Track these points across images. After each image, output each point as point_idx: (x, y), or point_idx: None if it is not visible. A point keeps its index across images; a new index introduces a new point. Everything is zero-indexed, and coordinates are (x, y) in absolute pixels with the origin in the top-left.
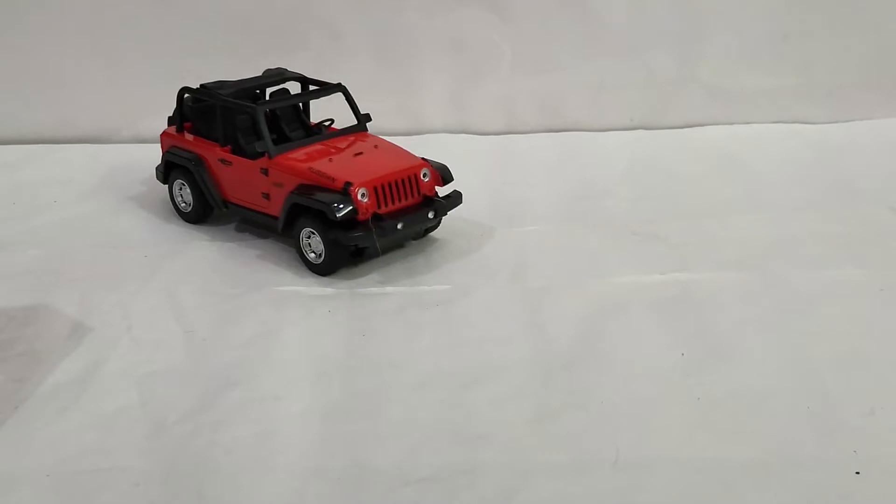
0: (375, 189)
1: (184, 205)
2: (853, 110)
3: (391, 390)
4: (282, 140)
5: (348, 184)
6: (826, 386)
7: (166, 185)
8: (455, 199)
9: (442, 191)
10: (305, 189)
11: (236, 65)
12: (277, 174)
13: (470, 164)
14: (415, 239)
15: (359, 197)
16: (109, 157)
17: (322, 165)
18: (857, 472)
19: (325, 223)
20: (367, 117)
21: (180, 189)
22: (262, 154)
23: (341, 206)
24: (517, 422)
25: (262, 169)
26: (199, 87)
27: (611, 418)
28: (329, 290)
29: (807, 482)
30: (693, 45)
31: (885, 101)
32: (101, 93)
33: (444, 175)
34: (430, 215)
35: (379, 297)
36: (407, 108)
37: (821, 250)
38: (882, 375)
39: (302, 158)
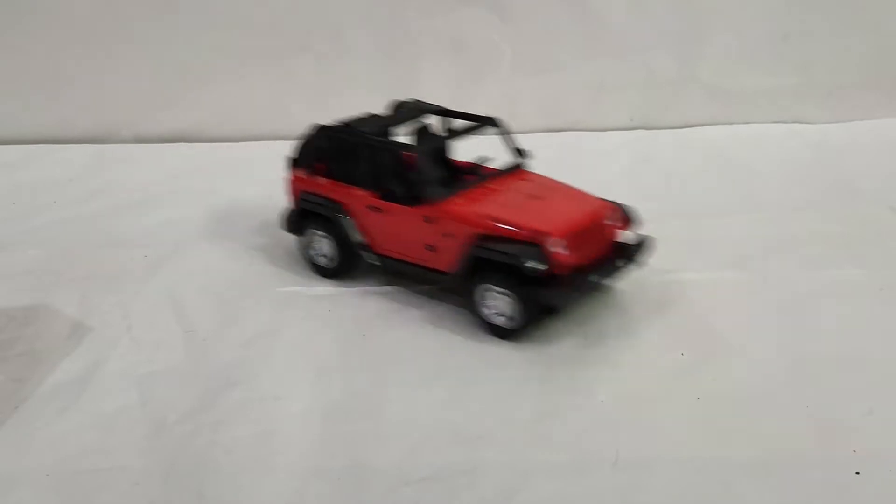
0: (570, 238)
1: (324, 259)
2: (853, 110)
3: (391, 390)
4: (442, 185)
5: (541, 233)
6: (826, 385)
7: (299, 238)
8: (645, 244)
9: (625, 235)
10: (487, 241)
11: (236, 65)
12: (447, 223)
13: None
14: (596, 291)
15: (554, 248)
16: (109, 157)
17: (502, 212)
18: (857, 472)
19: (518, 280)
20: (526, 153)
21: (317, 242)
22: (422, 200)
23: (537, 259)
24: (517, 422)
25: (425, 217)
26: (341, 124)
27: (611, 418)
28: (329, 291)
29: (806, 482)
30: (693, 45)
31: (885, 101)
32: (101, 93)
33: (629, 218)
34: (621, 264)
35: (379, 296)
36: None
37: (820, 250)
38: (881, 375)
39: (473, 204)
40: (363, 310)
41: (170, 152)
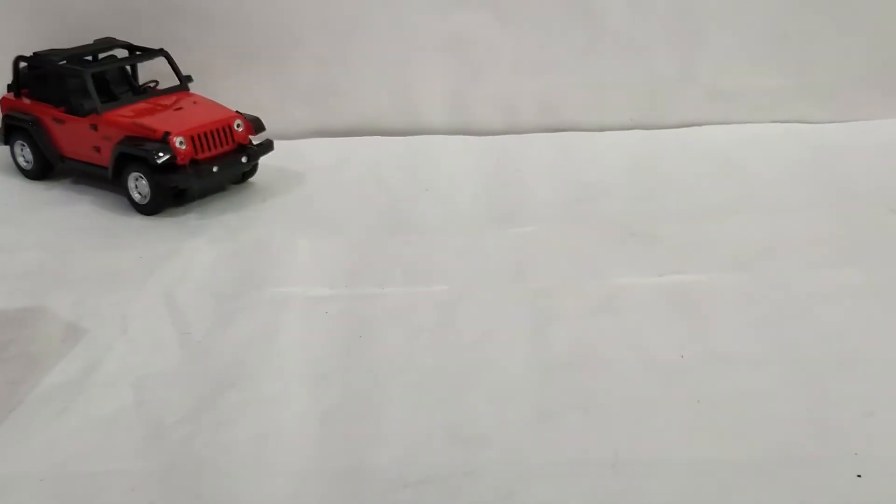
0: (192, 138)
1: (25, 163)
2: (854, 110)
3: (389, 391)
4: (111, 100)
5: (167, 133)
6: (826, 387)
7: (7, 147)
8: (267, 146)
9: (256, 140)
10: (131, 140)
11: (235, 63)
12: (105, 129)
13: (469, 164)
14: (234, 183)
15: (177, 145)
16: None
17: (145, 119)
18: (858, 475)
19: (151, 169)
20: (189, 78)
21: (21, 149)
22: (91, 112)
23: (161, 153)
24: (516, 423)
25: (91, 125)
26: (32, 55)
27: (610, 419)
28: (327, 292)
29: (806, 484)
30: (693, 46)
31: (885, 101)
32: None
33: (256, 126)
34: (244, 160)
35: (377, 297)
36: (405, 108)
37: (820, 252)
38: (882, 377)
39: (128, 115)
40: (361, 311)
41: None
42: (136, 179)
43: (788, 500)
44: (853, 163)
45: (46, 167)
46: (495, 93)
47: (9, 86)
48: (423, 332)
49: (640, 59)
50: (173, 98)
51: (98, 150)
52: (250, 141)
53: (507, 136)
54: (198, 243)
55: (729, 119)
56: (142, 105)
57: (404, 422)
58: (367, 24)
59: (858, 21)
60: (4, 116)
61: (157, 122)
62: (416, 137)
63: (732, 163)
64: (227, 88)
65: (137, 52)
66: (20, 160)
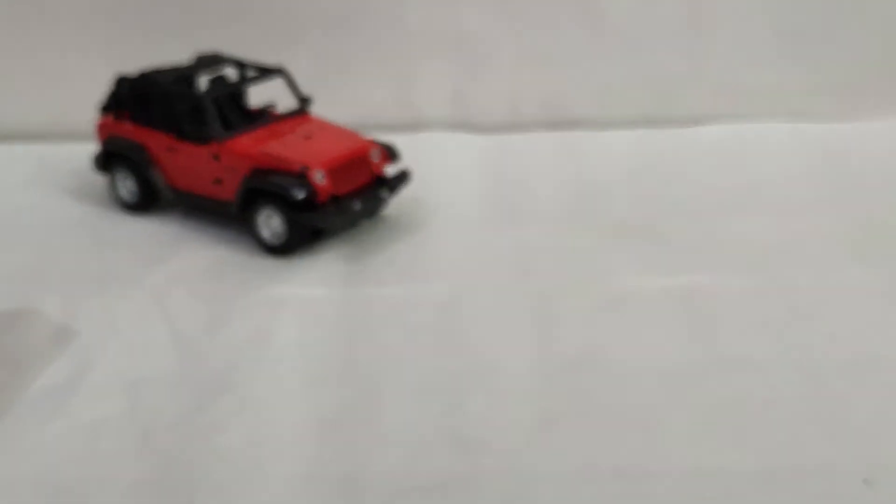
0: (332, 171)
1: (127, 195)
2: (861, 109)
3: (388, 395)
4: (224, 126)
5: (305, 166)
6: (832, 390)
7: (107, 176)
8: (404, 177)
9: (390, 169)
10: (261, 173)
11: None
12: (230, 159)
13: (471, 161)
14: (368, 218)
15: (317, 179)
16: None
17: (277, 149)
18: (865, 480)
19: (286, 206)
20: (308, 100)
21: (123, 180)
22: (213, 140)
23: (300, 189)
24: (518, 428)
25: (212, 155)
26: (139, 75)
27: (614, 425)
28: (324, 292)
29: (814, 490)
30: (699, 43)
31: (893, 100)
32: (101, 93)
33: (391, 154)
34: (384, 194)
35: (376, 298)
36: (408, 105)
37: (827, 251)
38: (890, 380)
39: (253, 143)
40: (360, 311)
41: None
42: (268, 217)
43: None
44: (861, 161)
45: (151, 199)
46: (498, 89)
47: (103, 108)
48: (423, 334)
49: (646, 56)
50: (296, 123)
51: (220, 182)
52: (384, 171)
53: (509, 133)
54: (191, 244)
55: (735, 117)
56: (265, 131)
57: (404, 426)
58: (369, 20)
59: (867, 20)
60: (104, 143)
61: (291, 153)
62: (417, 134)
63: (739, 161)
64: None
65: (255, 72)
66: (121, 191)
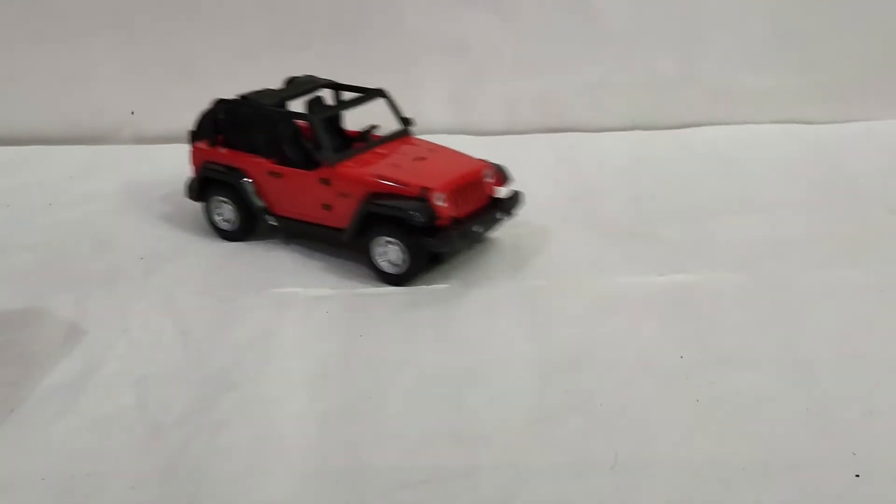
0: (451, 193)
1: (225, 223)
2: (853, 111)
3: (390, 391)
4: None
5: (426, 189)
6: (825, 387)
7: (200, 203)
8: (517, 198)
9: (502, 191)
10: (378, 198)
11: (237, 63)
12: (342, 184)
13: None
14: (480, 242)
15: (438, 202)
16: (108, 158)
17: (391, 172)
18: (857, 475)
19: (407, 231)
20: (410, 121)
21: (218, 207)
22: (324, 164)
23: (422, 212)
24: (516, 423)
25: (321, 179)
26: (239, 97)
27: (610, 420)
28: (327, 291)
29: (806, 484)
30: (693, 46)
31: (885, 102)
32: (101, 93)
33: (504, 176)
34: (500, 216)
35: (377, 297)
36: (407, 108)
37: (820, 251)
38: (881, 376)
39: (364, 166)
40: (361, 310)
41: (169, 152)
42: (387, 244)
43: (787, 499)
44: (853, 163)
45: (250, 227)
46: (496, 93)
47: (193, 133)
48: (423, 332)
49: (641, 59)
50: (402, 145)
51: (329, 208)
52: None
53: (507, 135)
54: (198, 244)
55: (729, 119)
56: (373, 154)
57: (405, 422)
58: (369, 25)
59: (859, 22)
60: (200, 169)
61: (407, 176)
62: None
63: (732, 163)
64: (227, 88)
65: (357, 94)
66: (218, 219)
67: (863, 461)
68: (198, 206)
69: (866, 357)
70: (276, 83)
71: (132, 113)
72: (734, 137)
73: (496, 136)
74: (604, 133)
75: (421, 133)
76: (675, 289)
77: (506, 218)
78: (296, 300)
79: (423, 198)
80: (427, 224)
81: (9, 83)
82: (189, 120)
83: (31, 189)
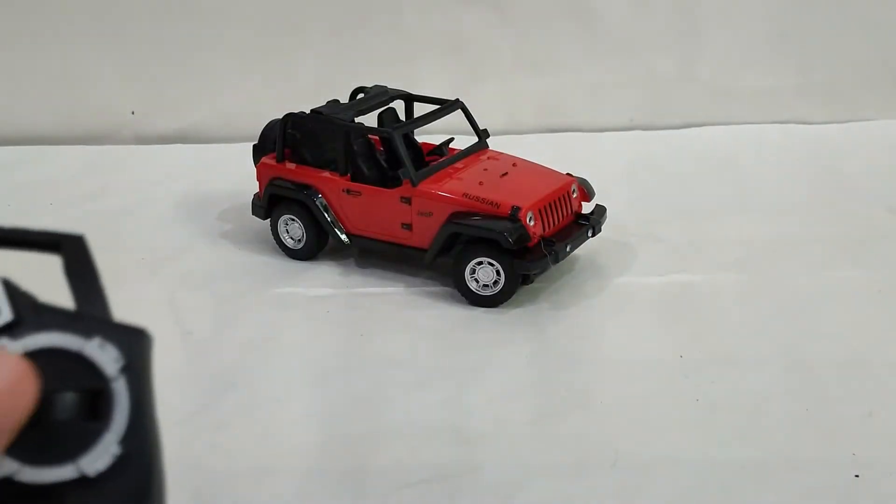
0: (540, 211)
1: (293, 242)
2: (853, 111)
3: (391, 391)
4: (397, 165)
5: (516, 208)
6: (825, 388)
7: (267, 221)
8: (603, 213)
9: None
10: (462, 217)
11: (237, 63)
12: (423, 202)
13: None
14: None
15: (528, 221)
16: (108, 158)
17: (476, 190)
18: (857, 475)
19: (501, 252)
20: (486, 133)
21: (287, 225)
22: (406, 181)
23: (513, 233)
24: (517, 422)
25: (402, 198)
26: (311, 112)
27: (610, 419)
28: (328, 291)
29: (805, 484)
30: (692, 45)
31: (884, 101)
32: (101, 93)
33: (588, 191)
34: (590, 234)
35: (378, 297)
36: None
37: (819, 252)
38: (881, 377)
39: (448, 183)
40: (362, 310)
41: (170, 152)
42: (476, 266)
43: (787, 499)
44: (852, 163)
45: (321, 245)
46: (495, 93)
47: (255, 147)
48: (424, 331)
49: (640, 59)
50: (481, 158)
51: (409, 227)
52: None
53: (506, 136)
54: (199, 244)
55: (728, 119)
56: (452, 170)
57: (407, 421)
58: (367, 24)
59: (858, 21)
60: (267, 186)
61: (494, 193)
62: (416, 137)
63: (732, 163)
64: (227, 88)
65: (434, 106)
66: (285, 238)
67: (863, 461)
68: (198, 207)
69: (866, 357)
70: (276, 83)
71: (132, 113)
72: (734, 137)
73: (496, 136)
74: (603, 133)
75: (420, 134)
76: (675, 289)
77: (593, 236)
78: (297, 300)
79: (513, 217)
80: (518, 246)
81: (9, 83)
82: (189, 120)
83: (31, 189)
